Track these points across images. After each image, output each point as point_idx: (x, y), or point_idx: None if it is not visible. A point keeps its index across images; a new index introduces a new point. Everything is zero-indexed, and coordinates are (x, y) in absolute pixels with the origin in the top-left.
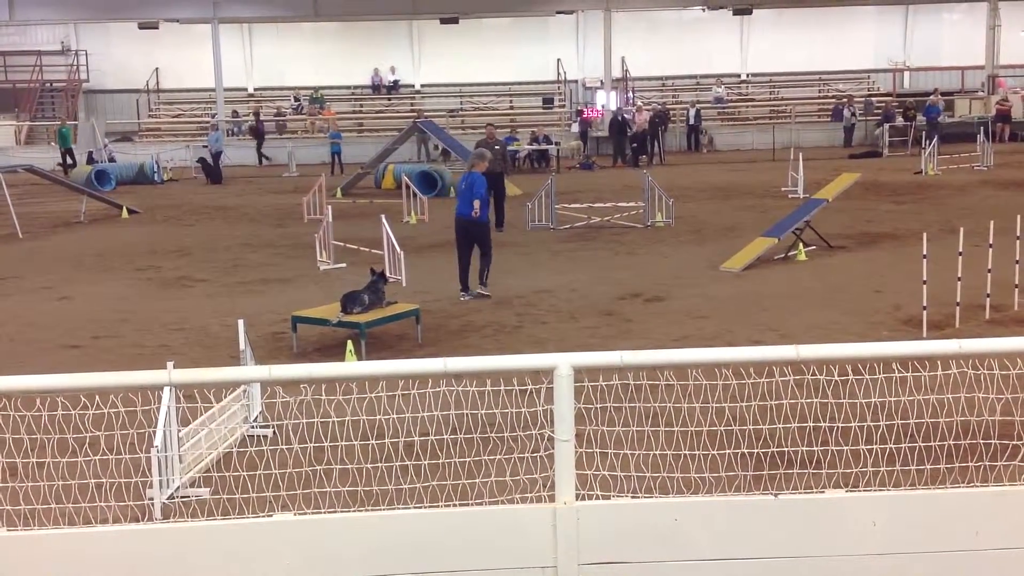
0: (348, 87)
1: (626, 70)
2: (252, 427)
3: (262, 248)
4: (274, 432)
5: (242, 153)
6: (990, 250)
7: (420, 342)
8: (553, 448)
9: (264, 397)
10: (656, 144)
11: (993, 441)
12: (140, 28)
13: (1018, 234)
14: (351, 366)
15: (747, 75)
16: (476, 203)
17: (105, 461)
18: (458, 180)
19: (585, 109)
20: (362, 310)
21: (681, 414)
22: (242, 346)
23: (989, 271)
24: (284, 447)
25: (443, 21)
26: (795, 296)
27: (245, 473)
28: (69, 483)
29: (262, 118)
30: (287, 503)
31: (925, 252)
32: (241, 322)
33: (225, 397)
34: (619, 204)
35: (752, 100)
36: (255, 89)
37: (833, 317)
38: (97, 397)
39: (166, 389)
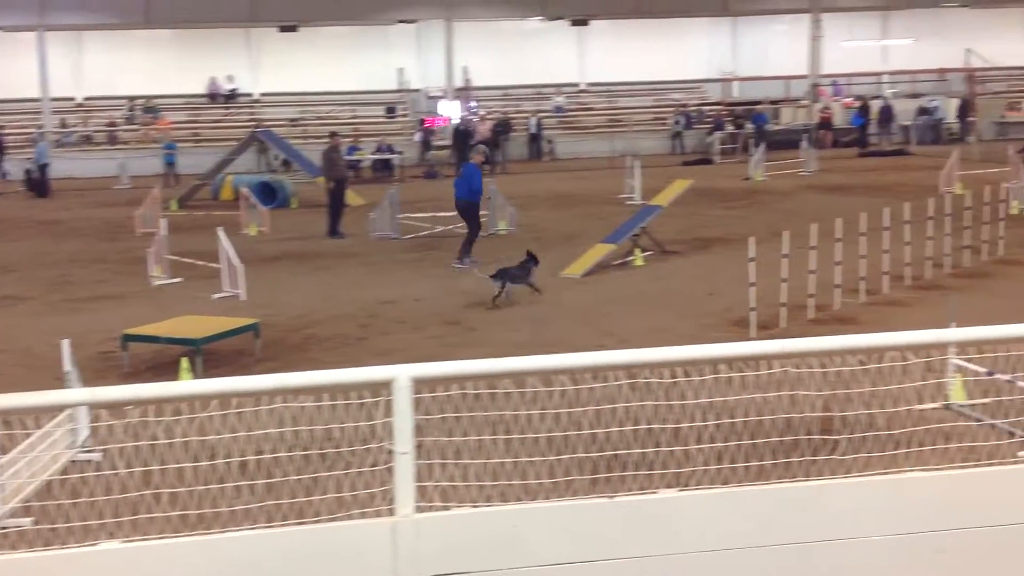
0: (183, 96)
1: (468, 79)
2: (79, 453)
3: (91, 264)
4: (102, 457)
5: (69, 165)
6: (812, 252)
7: (259, 357)
8: (392, 461)
9: (91, 420)
10: (499, 153)
11: (814, 437)
12: None
13: (838, 236)
14: (179, 386)
15: (585, 84)
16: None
17: None
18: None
19: (427, 119)
20: (503, 285)
21: (519, 422)
22: (67, 367)
23: (812, 272)
24: (110, 472)
25: (282, 29)
26: (632, 300)
27: (69, 501)
28: None
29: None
30: (114, 531)
31: (752, 255)
32: (66, 342)
33: (48, 422)
34: None
35: (591, 109)
36: (84, 98)
37: (668, 320)
38: None
39: None
